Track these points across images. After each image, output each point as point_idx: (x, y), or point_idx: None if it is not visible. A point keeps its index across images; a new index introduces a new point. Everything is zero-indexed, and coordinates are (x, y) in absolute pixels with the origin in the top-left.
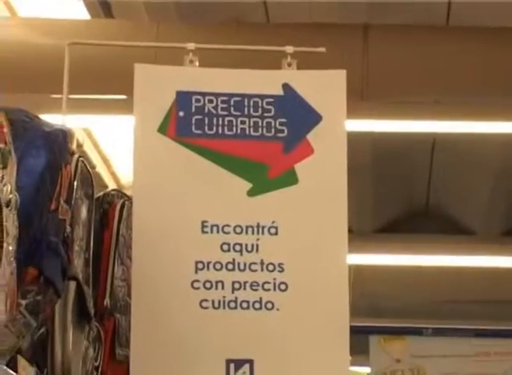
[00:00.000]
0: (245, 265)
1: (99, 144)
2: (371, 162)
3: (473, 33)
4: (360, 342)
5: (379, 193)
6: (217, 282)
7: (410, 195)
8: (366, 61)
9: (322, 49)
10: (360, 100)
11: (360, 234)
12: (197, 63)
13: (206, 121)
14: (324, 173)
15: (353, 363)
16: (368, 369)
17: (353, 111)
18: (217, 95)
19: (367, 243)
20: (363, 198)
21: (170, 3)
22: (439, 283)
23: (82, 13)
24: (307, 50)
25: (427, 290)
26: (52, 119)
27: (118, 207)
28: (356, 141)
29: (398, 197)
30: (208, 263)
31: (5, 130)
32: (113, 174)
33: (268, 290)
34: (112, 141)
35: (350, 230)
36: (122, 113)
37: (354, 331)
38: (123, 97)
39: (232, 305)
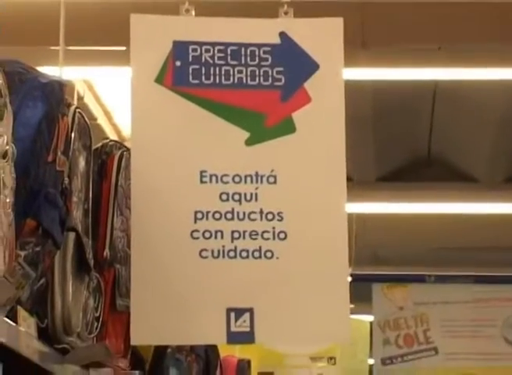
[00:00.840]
0: (244, 214)
1: (100, 97)
2: (372, 111)
3: None
4: (363, 290)
5: (381, 142)
6: (216, 231)
7: (413, 144)
8: (365, 8)
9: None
10: (360, 48)
11: (363, 183)
12: (193, 12)
13: (203, 71)
14: (321, 121)
15: (356, 312)
16: (371, 318)
17: (353, 59)
18: (214, 45)
19: (369, 192)
20: (365, 147)
21: None
22: (441, 230)
23: None
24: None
25: (429, 238)
26: (51, 71)
27: (116, 158)
28: (357, 90)
29: (400, 145)
30: (207, 213)
31: (1, 82)
32: (114, 126)
33: (268, 239)
34: (113, 93)
35: (352, 180)
36: (122, 65)
37: (357, 279)
38: (122, 48)
39: (232, 254)
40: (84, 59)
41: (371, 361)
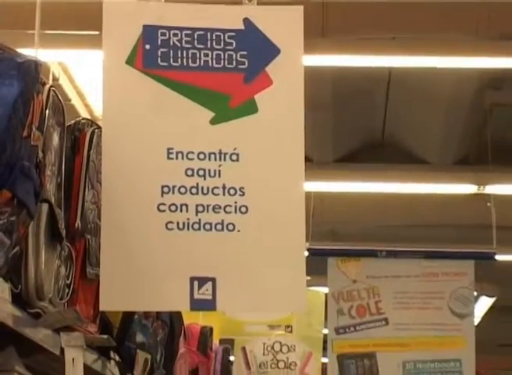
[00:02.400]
0: (208, 189)
1: (74, 79)
2: (331, 95)
3: None
4: (319, 264)
5: (339, 125)
6: (181, 205)
7: (368, 127)
8: None
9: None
10: (320, 36)
11: (322, 164)
12: None
13: (171, 54)
14: (282, 103)
15: (312, 284)
16: (326, 289)
17: (313, 46)
18: (181, 29)
19: (327, 172)
20: (323, 130)
21: None
22: (394, 209)
23: None
24: None
25: (382, 215)
26: (27, 53)
27: (88, 135)
28: (317, 76)
29: (356, 129)
30: (173, 187)
31: None
32: (87, 107)
33: (230, 212)
34: (86, 76)
35: (311, 160)
36: (94, 48)
37: (314, 253)
38: (96, 32)
39: (196, 226)
40: (59, 43)
41: (325, 330)
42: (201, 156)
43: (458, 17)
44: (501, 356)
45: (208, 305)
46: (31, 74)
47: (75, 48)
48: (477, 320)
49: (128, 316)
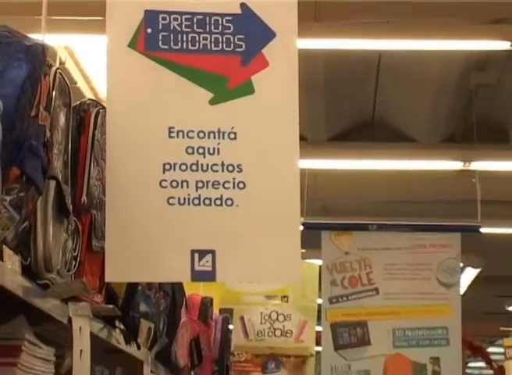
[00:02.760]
0: (207, 166)
1: (80, 63)
2: (324, 77)
3: None
4: (313, 238)
5: (332, 106)
6: (182, 181)
7: (359, 108)
8: None
9: None
10: (313, 21)
11: (315, 142)
12: None
13: (171, 37)
14: (277, 84)
15: (308, 256)
16: (320, 262)
17: (307, 30)
18: (181, 14)
19: (320, 150)
20: (317, 110)
21: None
22: (384, 185)
23: None
24: None
25: (373, 191)
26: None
27: (93, 115)
28: (311, 59)
29: (348, 109)
30: (175, 165)
31: None
32: (92, 89)
33: (228, 188)
34: (91, 60)
35: (305, 139)
36: (99, 33)
37: (308, 228)
38: (100, 18)
39: (196, 201)
40: (66, 28)
41: (319, 300)
42: (201, 135)
43: (446, 3)
44: (485, 324)
45: (208, 277)
46: (38, 57)
47: (80, 33)
48: (463, 290)
49: (132, 287)
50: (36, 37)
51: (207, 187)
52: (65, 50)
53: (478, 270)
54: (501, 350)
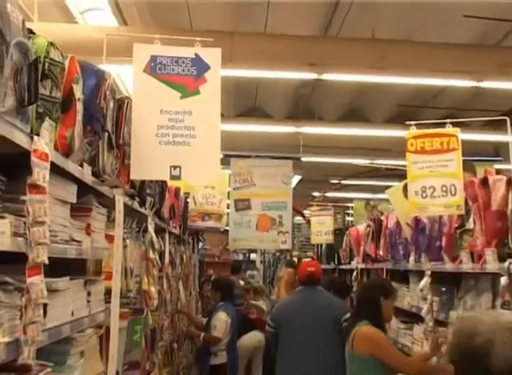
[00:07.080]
0: (179, 127)
1: (121, 78)
2: (232, 86)
3: None
4: (226, 161)
5: (236, 99)
6: (166, 133)
7: (248, 101)
8: (233, 38)
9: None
10: (228, 61)
11: (228, 117)
12: (159, 43)
13: (163, 67)
14: (211, 90)
15: (224, 169)
16: (229, 171)
17: (224, 65)
18: (167, 57)
19: (230, 121)
20: (228, 103)
21: None
22: (261, 139)
23: None
24: (208, 42)
25: (254, 142)
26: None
27: (126, 102)
28: (226, 79)
29: (242, 102)
30: (164, 126)
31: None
32: (127, 91)
33: (187, 136)
34: (126, 77)
35: (223, 115)
36: (129, 64)
37: (225, 156)
38: (129, 58)
39: (172, 142)
40: (115, 62)
41: (229, 189)
42: (175, 113)
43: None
44: (304, 200)
45: (178, 178)
46: (100, 75)
47: (121, 64)
48: (293, 185)
49: (142, 182)
50: (99, 65)
51: (178, 136)
52: (115, 72)
53: (300, 177)
54: (309, 212)
